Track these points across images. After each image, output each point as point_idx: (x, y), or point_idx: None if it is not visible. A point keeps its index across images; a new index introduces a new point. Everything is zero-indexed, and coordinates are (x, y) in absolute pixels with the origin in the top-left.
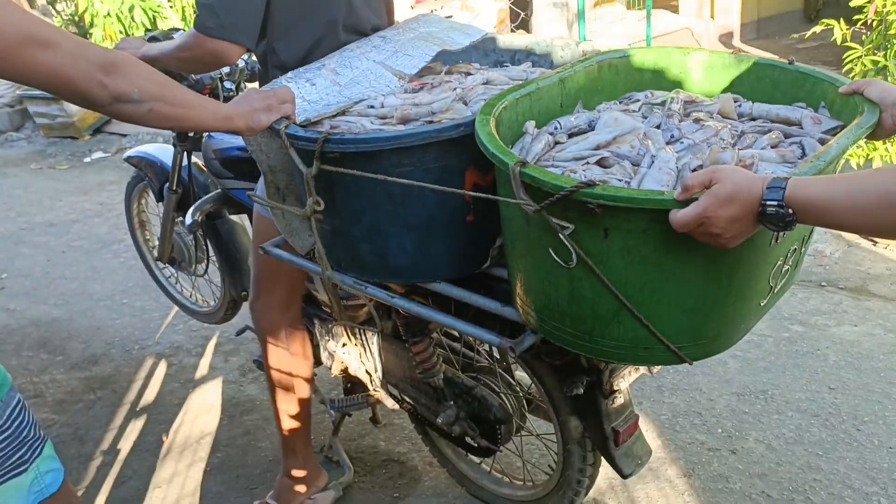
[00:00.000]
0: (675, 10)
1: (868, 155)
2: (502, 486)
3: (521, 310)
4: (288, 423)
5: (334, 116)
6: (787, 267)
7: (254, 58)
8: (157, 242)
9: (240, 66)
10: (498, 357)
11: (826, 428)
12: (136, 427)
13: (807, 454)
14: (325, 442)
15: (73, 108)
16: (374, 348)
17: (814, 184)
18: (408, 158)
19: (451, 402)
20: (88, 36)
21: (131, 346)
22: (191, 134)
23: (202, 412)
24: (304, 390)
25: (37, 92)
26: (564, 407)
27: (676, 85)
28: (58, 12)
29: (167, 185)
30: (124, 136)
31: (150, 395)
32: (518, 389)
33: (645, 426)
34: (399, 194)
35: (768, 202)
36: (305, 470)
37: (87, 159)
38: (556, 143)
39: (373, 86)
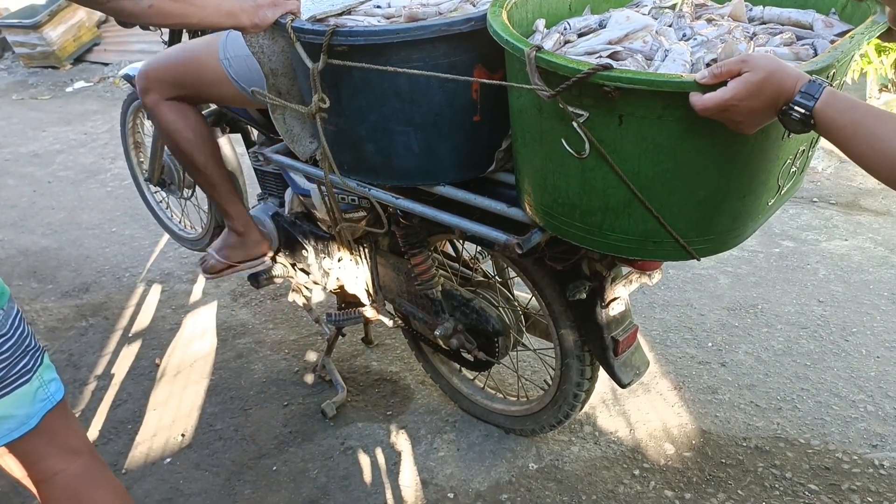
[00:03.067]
0: None
1: (863, 69)
2: (495, 402)
3: (529, 207)
4: (206, 184)
5: (339, 15)
6: (794, 168)
7: None
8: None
9: None
10: (496, 273)
11: (814, 339)
12: (129, 352)
13: (795, 365)
14: (318, 361)
15: (52, 37)
16: (371, 263)
17: (846, 110)
18: (417, 53)
19: (449, 315)
20: None
21: (122, 274)
22: None
23: (195, 337)
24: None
25: (14, 20)
26: (564, 319)
27: None
28: None
29: None
30: (106, 64)
31: (142, 321)
32: (516, 304)
33: None
34: (407, 91)
35: (795, 107)
36: (244, 232)
37: (70, 89)
38: (566, 42)
39: None
